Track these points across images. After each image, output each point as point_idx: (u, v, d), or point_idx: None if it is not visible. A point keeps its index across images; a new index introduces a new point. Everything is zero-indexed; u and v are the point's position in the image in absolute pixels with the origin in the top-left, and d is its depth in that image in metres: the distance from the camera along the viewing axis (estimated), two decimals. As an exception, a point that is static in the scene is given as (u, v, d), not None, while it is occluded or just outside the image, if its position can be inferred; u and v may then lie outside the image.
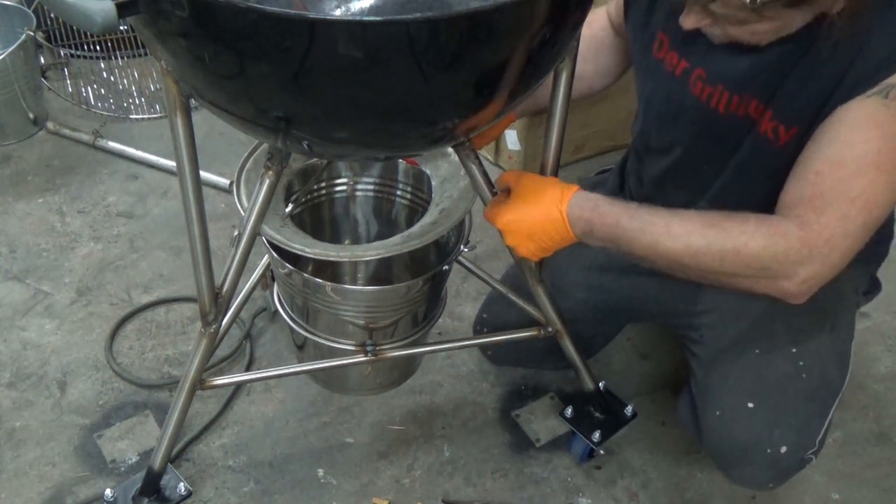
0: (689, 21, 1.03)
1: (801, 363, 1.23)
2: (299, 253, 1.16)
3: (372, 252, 1.18)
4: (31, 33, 2.12)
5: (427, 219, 1.23)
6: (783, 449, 1.19)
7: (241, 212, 1.16)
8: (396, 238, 1.19)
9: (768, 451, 1.19)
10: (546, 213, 1.09)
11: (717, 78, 1.13)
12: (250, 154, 1.27)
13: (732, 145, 1.17)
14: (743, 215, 1.06)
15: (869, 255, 1.33)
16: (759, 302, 1.27)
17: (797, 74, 1.05)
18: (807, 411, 1.21)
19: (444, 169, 1.32)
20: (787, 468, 1.22)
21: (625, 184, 1.47)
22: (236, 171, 1.24)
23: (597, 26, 1.38)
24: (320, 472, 1.48)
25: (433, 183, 1.31)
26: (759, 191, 1.16)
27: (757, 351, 1.25)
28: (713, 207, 1.22)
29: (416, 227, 1.22)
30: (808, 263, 1.03)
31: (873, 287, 1.41)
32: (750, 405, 1.21)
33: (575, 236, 1.11)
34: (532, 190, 1.11)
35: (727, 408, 1.24)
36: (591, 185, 1.57)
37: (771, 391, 1.22)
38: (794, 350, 1.24)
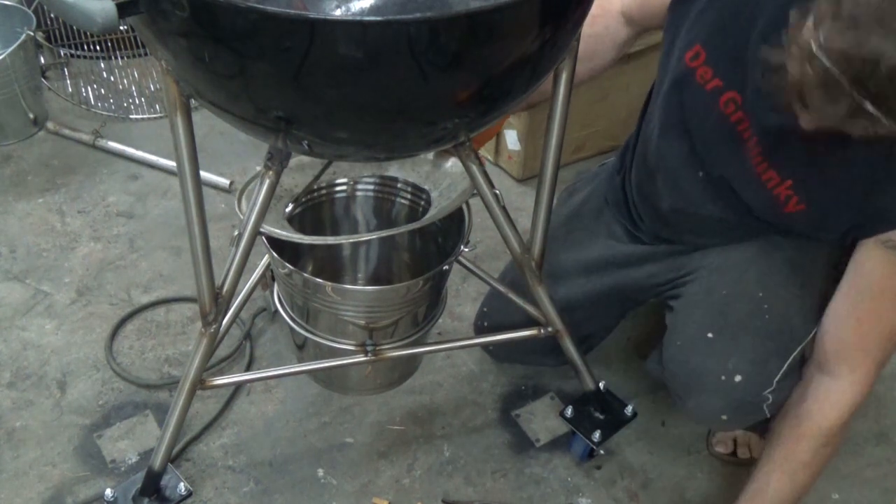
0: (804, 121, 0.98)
1: (766, 306, 1.26)
2: (297, 241, 1.16)
3: (365, 235, 1.18)
4: (31, 33, 2.12)
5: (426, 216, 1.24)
6: (737, 378, 1.23)
7: (241, 217, 1.16)
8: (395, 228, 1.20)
9: (722, 377, 1.23)
10: None
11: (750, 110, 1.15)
12: (254, 178, 1.26)
13: (731, 164, 1.19)
14: (804, 414, 1.24)
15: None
16: (740, 254, 1.32)
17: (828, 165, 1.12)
18: (765, 348, 1.24)
19: (443, 182, 1.32)
20: (740, 400, 1.25)
21: (623, 165, 1.47)
22: (238, 192, 1.24)
23: (600, 23, 1.36)
24: (320, 472, 1.48)
25: (433, 194, 1.31)
26: (729, 220, 1.26)
27: (724, 292, 1.30)
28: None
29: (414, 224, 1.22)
30: (865, 391, 1.22)
31: None
32: (709, 335, 1.26)
33: None
34: None
35: (687, 338, 1.30)
36: (591, 177, 1.59)
37: (731, 324, 1.26)
38: (760, 294, 1.27)
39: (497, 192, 1.17)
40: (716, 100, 1.16)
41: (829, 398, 1.22)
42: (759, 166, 1.16)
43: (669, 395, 1.39)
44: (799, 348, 1.26)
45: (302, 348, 1.44)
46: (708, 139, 1.21)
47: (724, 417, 1.29)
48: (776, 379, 1.24)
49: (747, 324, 1.26)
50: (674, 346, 1.31)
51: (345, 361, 1.33)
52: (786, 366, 1.25)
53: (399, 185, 1.42)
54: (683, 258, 1.38)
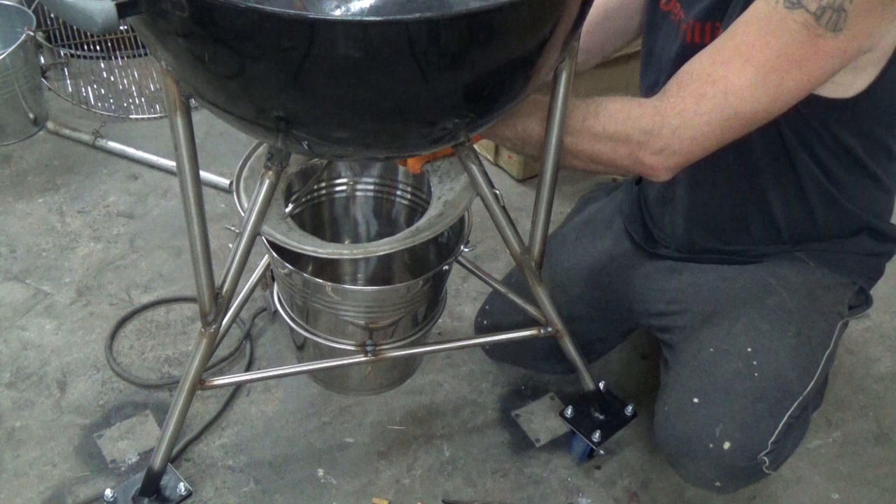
0: None
1: (755, 363, 1.21)
2: (311, 255, 1.15)
3: (385, 247, 1.17)
4: (31, 33, 2.12)
5: (432, 212, 1.23)
6: (726, 445, 1.17)
7: (242, 213, 1.16)
8: (405, 233, 1.19)
9: (710, 446, 1.18)
10: None
11: (692, 13, 1.18)
12: (245, 161, 1.26)
13: None
14: (625, 103, 1.10)
15: (858, 267, 1.33)
16: (730, 303, 1.29)
17: None
18: (755, 410, 1.19)
19: (441, 165, 1.32)
20: (733, 467, 1.19)
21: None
22: (234, 179, 1.24)
23: None
24: (320, 472, 1.48)
25: (432, 179, 1.31)
26: None
27: (711, 350, 1.25)
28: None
29: (423, 221, 1.21)
30: (659, 134, 1.05)
31: (864, 301, 1.38)
32: (695, 400, 1.21)
33: None
34: None
35: (673, 403, 1.25)
36: (610, 188, 1.59)
37: (717, 388, 1.21)
38: (748, 349, 1.23)
39: (497, 192, 1.17)
40: (679, 26, 1.20)
41: (635, 98, 1.10)
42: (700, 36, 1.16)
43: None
44: (796, 403, 1.21)
45: (302, 348, 1.44)
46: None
47: (718, 484, 1.24)
48: (771, 440, 1.18)
49: (735, 385, 1.20)
50: (662, 413, 1.26)
51: (345, 361, 1.33)
52: (781, 425, 1.19)
53: (399, 185, 1.42)
54: (677, 291, 1.36)
